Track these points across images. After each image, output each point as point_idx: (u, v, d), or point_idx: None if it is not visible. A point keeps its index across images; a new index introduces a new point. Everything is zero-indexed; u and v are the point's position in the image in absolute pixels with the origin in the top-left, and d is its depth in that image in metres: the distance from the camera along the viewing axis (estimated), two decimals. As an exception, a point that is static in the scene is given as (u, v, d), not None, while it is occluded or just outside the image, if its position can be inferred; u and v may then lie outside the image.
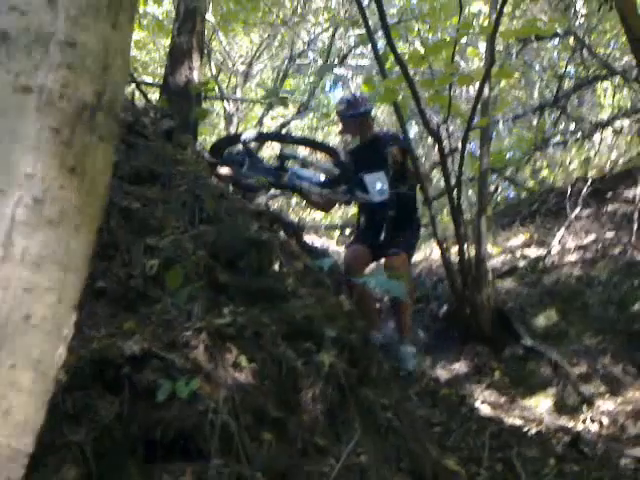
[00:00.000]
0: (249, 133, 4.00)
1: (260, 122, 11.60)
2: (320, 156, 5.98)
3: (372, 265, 4.68)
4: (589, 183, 6.40)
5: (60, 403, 1.46)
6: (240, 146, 3.85)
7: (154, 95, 5.50)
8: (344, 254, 4.63)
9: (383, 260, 4.27)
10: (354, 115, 4.39)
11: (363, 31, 4.18)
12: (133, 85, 4.69)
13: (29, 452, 0.71)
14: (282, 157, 3.93)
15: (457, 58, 5.28)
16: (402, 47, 7.08)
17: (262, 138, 4.31)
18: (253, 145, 4.32)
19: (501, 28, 3.91)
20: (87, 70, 0.76)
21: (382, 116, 10.64)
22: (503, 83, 7.48)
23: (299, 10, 9.91)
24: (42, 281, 0.71)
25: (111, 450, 1.40)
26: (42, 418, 0.73)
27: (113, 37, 0.79)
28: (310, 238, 5.82)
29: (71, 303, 0.76)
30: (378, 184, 4.07)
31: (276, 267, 2.43)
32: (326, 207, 4.77)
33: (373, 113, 4.82)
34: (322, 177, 4.21)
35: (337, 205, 5.02)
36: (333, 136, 12.33)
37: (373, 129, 4.64)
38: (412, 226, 4.32)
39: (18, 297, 0.69)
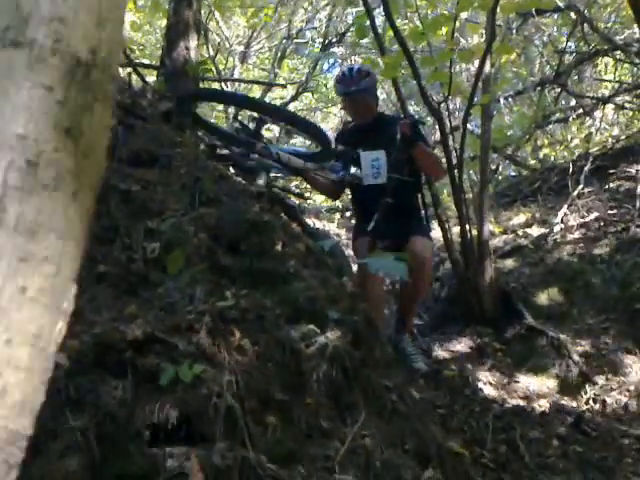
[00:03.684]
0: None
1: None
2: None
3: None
4: (591, 160, 6.37)
5: (62, 388, 1.45)
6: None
7: (151, 78, 5.44)
8: (353, 247, 4.04)
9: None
10: (366, 89, 3.65)
11: (361, 8, 4.09)
12: (129, 67, 4.62)
13: (28, 434, 0.67)
14: (258, 121, 3.21)
15: (457, 35, 5.21)
16: (400, 24, 6.99)
17: (220, 98, 3.54)
18: None
19: (501, 1, 3.85)
20: (80, 25, 0.70)
21: (381, 96, 10.56)
22: (503, 59, 7.42)
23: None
24: (38, 250, 0.66)
25: (114, 435, 1.39)
26: (41, 398, 0.69)
27: (107, -10, 0.75)
28: (311, 221, 5.79)
29: (70, 274, 0.71)
30: (375, 164, 3.51)
31: (278, 249, 2.40)
32: (329, 191, 4.07)
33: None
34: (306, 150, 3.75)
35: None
36: (332, 118, 12.27)
37: (377, 107, 3.92)
38: (417, 213, 3.87)
39: (13, 267, 0.64)
